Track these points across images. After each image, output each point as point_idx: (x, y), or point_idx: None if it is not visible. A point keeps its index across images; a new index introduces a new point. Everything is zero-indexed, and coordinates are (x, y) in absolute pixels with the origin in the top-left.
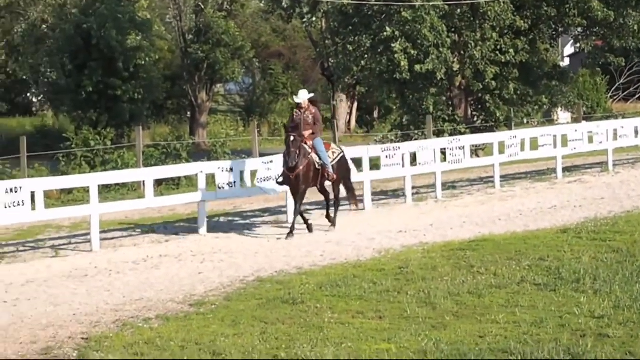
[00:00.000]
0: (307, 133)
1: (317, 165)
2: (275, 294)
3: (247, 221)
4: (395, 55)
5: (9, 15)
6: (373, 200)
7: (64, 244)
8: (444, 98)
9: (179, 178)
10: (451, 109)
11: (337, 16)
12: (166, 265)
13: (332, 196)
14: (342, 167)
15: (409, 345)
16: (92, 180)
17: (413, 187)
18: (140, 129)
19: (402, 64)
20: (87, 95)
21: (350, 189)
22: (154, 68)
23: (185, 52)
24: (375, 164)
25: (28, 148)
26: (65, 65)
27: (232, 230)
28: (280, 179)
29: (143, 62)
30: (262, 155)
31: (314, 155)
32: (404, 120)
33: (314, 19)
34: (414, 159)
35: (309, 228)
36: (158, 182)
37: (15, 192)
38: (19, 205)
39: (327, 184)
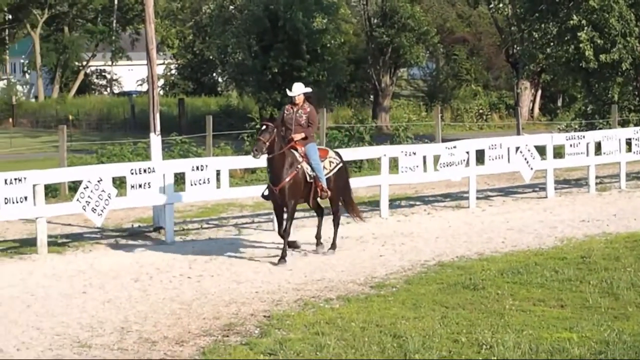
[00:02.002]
0: (297, 136)
1: (308, 178)
2: (456, 279)
3: (428, 205)
4: (581, 45)
5: None
6: (556, 188)
7: (247, 222)
8: (630, 88)
9: (361, 161)
10: (637, 98)
11: (524, 3)
12: (347, 247)
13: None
14: (341, 180)
15: (590, 335)
16: None
17: (596, 177)
18: (325, 111)
19: (587, 53)
20: (272, 77)
21: (350, 205)
22: (339, 51)
23: (370, 35)
24: (558, 152)
25: (213, 127)
26: (252, 46)
27: (414, 214)
28: (266, 192)
29: (328, 45)
30: (444, 140)
31: (305, 165)
32: (588, 109)
33: (500, 5)
34: (598, 148)
35: (283, 254)
36: None
37: (201, 170)
38: (204, 183)
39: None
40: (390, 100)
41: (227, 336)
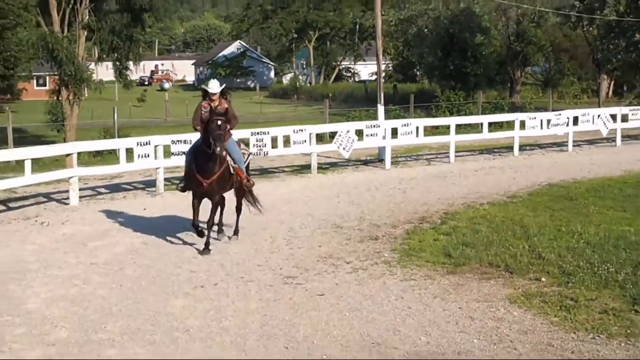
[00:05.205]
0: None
1: (231, 170)
2: (560, 193)
3: (543, 149)
4: None
5: (405, 23)
6: (622, 140)
7: (433, 157)
8: None
9: (502, 122)
10: None
11: (604, 26)
12: (493, 173)
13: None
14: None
15: None
16: (452, 121)
17: None
18: (480, 92)
19: None
20: (449, 72)
21: (250, 199)
22: (490, 56)
23: (509, 47)
24: (623, 119)
25: (413, 101)
26: (437, 53)
27: (534, 154)
28: (182, 184)
29: (484, 52)
30: (553, 110)
31: (228, 158)
32: None
33: (590, 28)
34: None
35: (206, 245)
36: (490, 124)
37: (407, 126)
38: (409, 134)
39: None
40: (520, 86)
41: (422, 224)
